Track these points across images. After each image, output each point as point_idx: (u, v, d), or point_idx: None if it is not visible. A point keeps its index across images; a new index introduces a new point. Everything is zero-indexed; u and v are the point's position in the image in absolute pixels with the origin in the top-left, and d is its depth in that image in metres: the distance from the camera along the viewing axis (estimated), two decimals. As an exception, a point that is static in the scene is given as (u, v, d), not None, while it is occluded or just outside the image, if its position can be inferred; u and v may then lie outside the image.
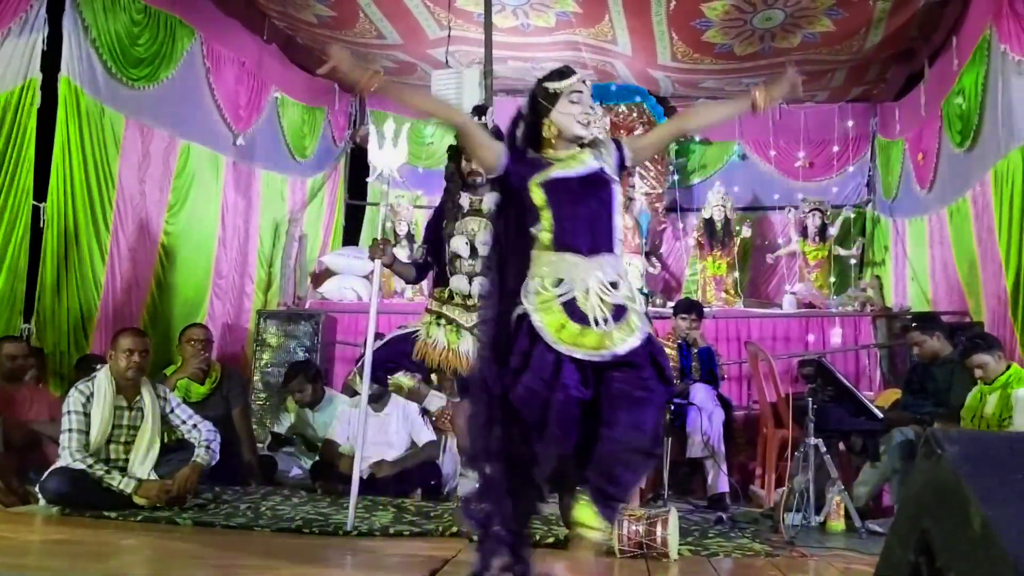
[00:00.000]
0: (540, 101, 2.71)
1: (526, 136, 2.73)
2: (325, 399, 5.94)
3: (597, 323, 2.56)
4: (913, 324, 5.32)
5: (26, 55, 5.13)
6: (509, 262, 2.69)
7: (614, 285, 2.63)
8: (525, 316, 2.59)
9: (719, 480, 5.45)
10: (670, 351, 5.92)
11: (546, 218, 2.63)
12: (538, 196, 2.64)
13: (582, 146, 2.73)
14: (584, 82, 2.73)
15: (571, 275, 2.60)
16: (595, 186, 2.68)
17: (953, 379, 4.84)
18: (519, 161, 2.69)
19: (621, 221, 2.73)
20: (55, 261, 5.41)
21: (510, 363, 2.56)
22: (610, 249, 2.66)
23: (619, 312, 2.60)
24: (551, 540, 3.60)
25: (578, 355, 2.53)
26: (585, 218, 2.65)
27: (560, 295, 2.58)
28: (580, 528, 2.52)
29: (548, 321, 2.55)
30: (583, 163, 2.69)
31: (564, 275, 2.61)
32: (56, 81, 5.34)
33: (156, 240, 6.38)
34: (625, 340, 2.56)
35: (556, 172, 2.66)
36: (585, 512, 2.52)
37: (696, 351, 5.90)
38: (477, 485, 2.64)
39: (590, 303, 2.57)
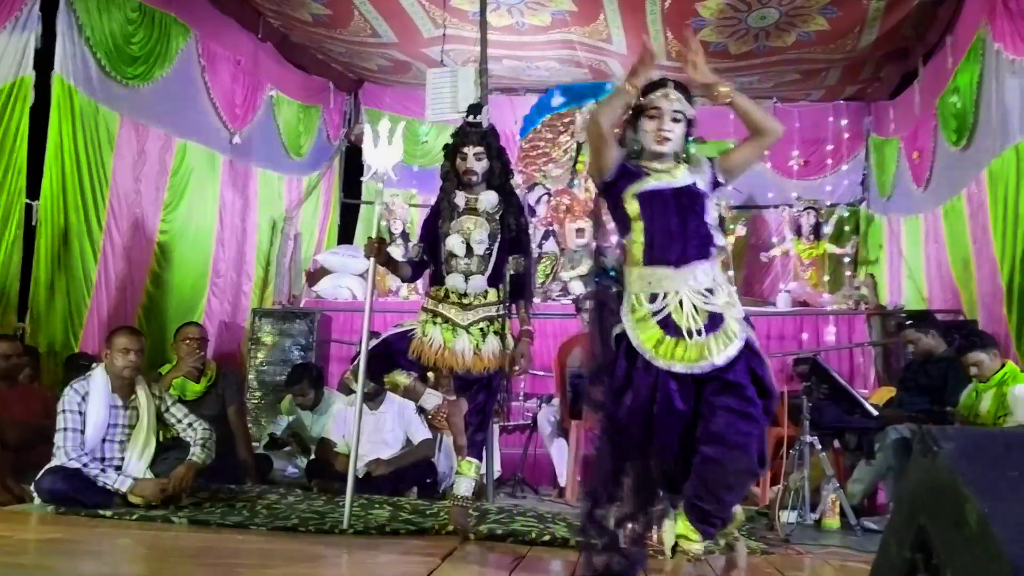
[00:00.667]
0: (631, 116, 2.78)
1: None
2: (324, 402, 5.93)
3: (691, 335, 2.57)
4: (908, 322, 5.33)
5: (18, 53, 5.12)
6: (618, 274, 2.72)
7: (709, 291, 2.64)
8: (623, 335, 2.62)
9: None
10: None
11: (637, 230, 2.67)
12: (632, 207, 2.68)
13: (679, 160, 2.76)
14: (668, 96, 2.74)
15: (663, 288, 2.62)
16: (688, 198, 2.70)
17: (948, 376, 4.85)
18: (622, 168, 2.74)
19: (714, 230, 2.73)
20: (48, 260, 5.40)
21: (612, 383, 2.61)
22: (704, 256, 2.66)
23: (715, 320, 2.61)
24: (547, 538, 3.61)
25: (678, 369, 2.56)
26: (677, 230, 2.66)
27: (655, 311, 2.60)
28: (679, 540, 2.59)
29: (645, 338, 2.59)
30: (676, 177, 2.72)
31: (657, 289, 2.63)
32: (49, 79, 5.33)
33: (152, 238, 6.37)
34: (723, 349, 2.57)
35: (650, 184, 2.69)
36: (684, 525, 2.58)
37: None
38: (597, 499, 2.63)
39: (684, 314, 2.59)
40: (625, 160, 2.77)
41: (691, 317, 2.59)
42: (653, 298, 2.62)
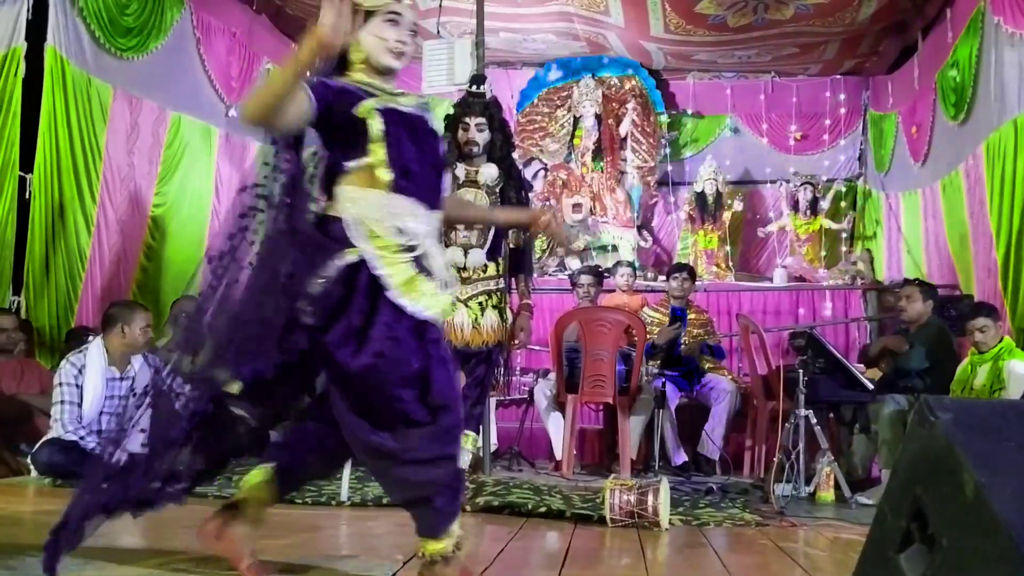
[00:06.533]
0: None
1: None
2: (320, 372, 5.92)
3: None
4: (915, 280, 5.40)
5: (10, 24, 5.06)
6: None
7: None
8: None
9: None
10: (661, 317, 5.98)
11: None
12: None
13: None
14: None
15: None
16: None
17: (938, 344, 4.86)
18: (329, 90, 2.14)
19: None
20: (43, 233, 5.36)
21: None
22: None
23: None
24: (543, 510, 3.63)
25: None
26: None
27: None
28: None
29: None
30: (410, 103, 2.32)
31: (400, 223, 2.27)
32: (41, 51, 5.27)
33: (146, 212, 6.32)
34: None
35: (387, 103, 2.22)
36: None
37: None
38: None
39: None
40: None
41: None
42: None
